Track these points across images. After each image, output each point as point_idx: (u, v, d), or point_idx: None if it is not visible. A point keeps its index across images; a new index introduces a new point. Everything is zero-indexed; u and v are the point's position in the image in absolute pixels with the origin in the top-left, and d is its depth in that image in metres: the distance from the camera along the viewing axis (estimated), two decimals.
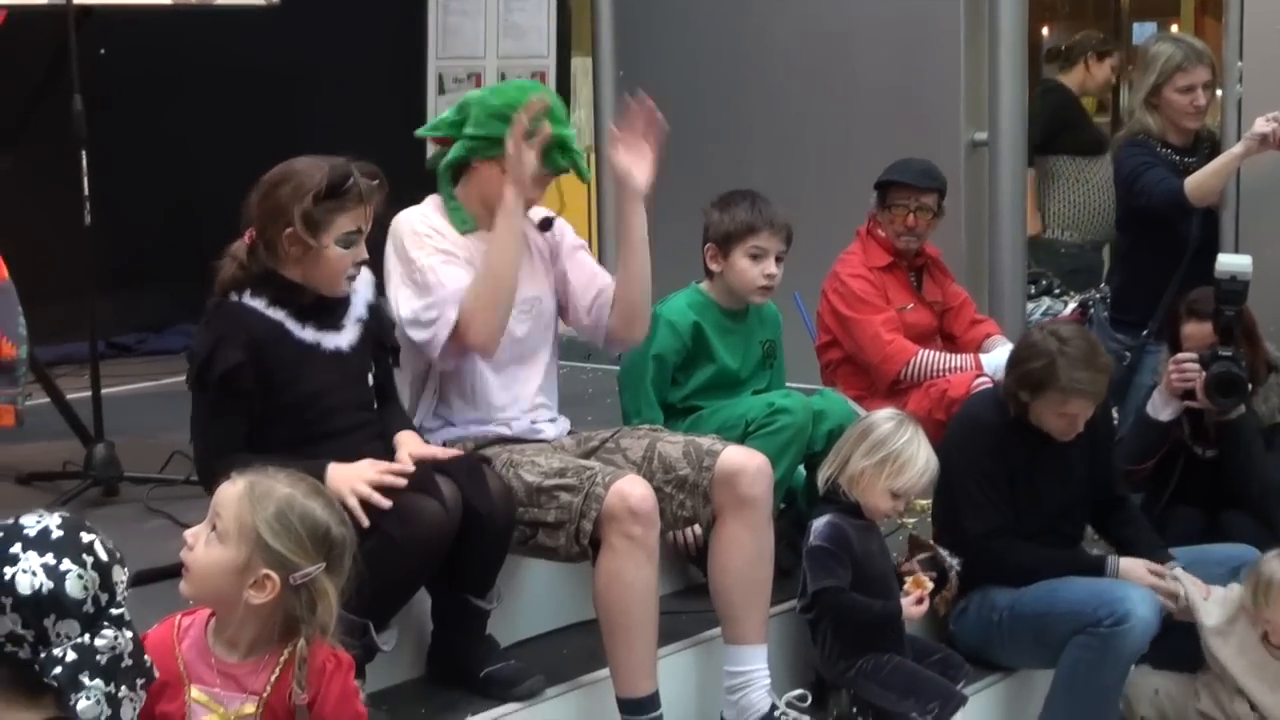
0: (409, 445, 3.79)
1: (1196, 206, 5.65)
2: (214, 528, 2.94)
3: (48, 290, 5.31)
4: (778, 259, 4.63)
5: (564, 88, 7.24)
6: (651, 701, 3.86)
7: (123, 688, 2.54)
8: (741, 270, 4.59)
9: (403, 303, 4.01)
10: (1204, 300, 5.07)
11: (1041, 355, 4.50)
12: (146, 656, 2.61)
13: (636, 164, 4.15)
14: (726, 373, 4.62)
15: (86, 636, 2.52)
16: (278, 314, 3.72)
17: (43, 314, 5.30)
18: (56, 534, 2.58)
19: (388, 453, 3.77)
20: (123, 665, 2.55)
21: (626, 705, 3.87)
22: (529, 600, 4.25)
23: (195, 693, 2.96)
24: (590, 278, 4.29)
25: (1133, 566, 4.54)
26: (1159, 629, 4.39)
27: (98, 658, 2.52)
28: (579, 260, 4.31)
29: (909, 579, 4.26)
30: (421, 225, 4.09)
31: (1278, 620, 4.42)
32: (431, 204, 4.17)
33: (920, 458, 4.26)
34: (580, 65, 7.90)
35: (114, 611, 2.57)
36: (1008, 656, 4.60)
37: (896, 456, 4.24)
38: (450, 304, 3.97)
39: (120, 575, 2.60)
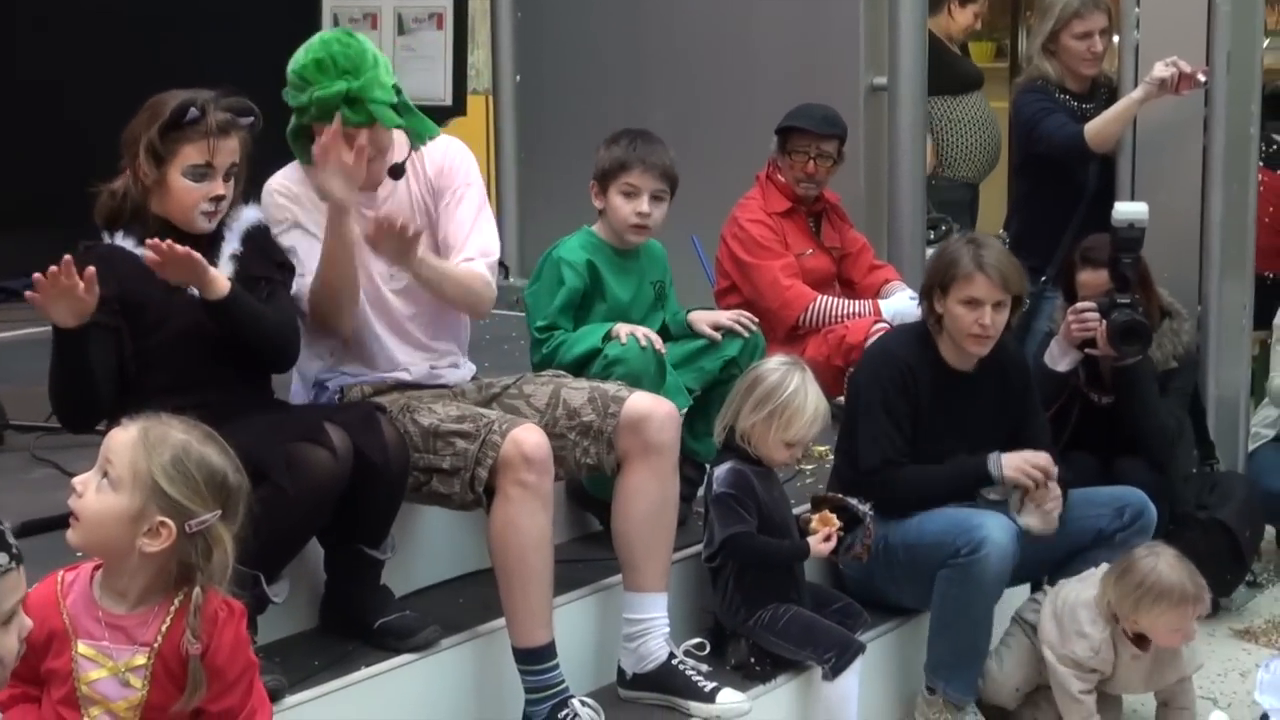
0: None
1: (1096, 152, 5.67)
2: (105, 475, 2.87)
3: None
4: (655, 198, 4.51)
5: (461, 29, 7.14)
6: (547, 651, 3.84)
7: None
8: (615, 208, 4.53)
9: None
10: (1098, 248, 5.09)
11: (951, 249, 4.58)
12: None
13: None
14: (620, 310, 4.55)
15: None
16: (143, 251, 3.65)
17: None
18: None
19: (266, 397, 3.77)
20: None
21: (522, 655, 3.85)
22: (424, 550, 4.21)
23: (82, 647, 2.90)
24: (444, 247, 4.10)
25: (1011, 458, 4.51)
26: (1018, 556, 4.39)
27: None
28: (446, 228, 4.11)
29: (815, 517, 4.24)
30: (281, 197, 3.99)
31: (1149, 625, 4.36)
32: (294, 166, 4.05)
33: (809, 406, 4.24)
34: (479, 6, 7.81)
35: None
36: (893, 593, 4.61)
37: (784, 409, 4.23)
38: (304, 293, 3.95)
39: None
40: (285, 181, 4.02)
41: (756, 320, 4.72)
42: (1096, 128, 5.64)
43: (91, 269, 3.44)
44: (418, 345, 4.13)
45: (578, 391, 4.05)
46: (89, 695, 2.91)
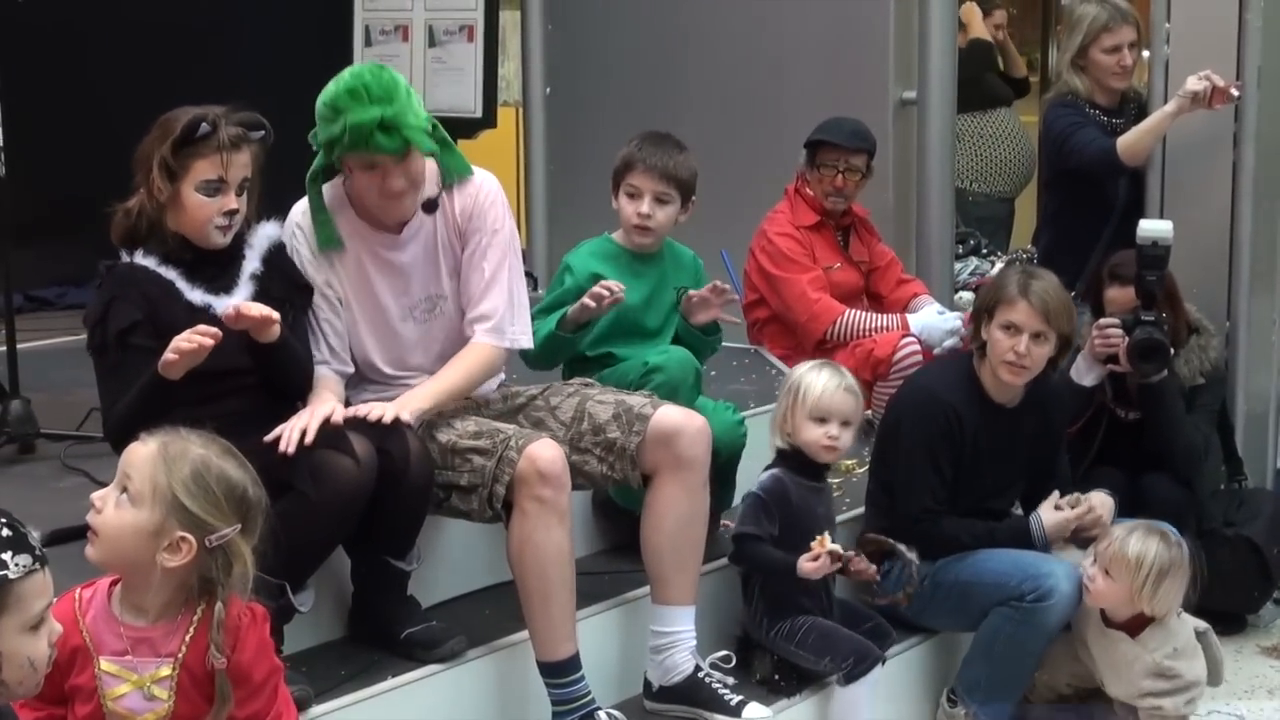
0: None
1: (1128, 166, 5.66)
2: (124, 490, 2.88)
3: None
4: (658, 200, 4.51)
5: (492, 41, 7.16)
6: (572, 663, 3.84)
7: None
8: (620, 208, 4.54)
9: None
10: (1126, 264, 5.08)
11: (1004, 274, 4.63)
12: None
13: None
14: (630, 314, 4.52)
15: None
16: (169, 273, 3.70)
17: None
18: None
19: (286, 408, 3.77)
20: None
21: (547, 669, 3.85)
22: (450, 561, 4.23)
23: (104, 664, 2.92)
24: (466, 299, 4.08)
25: (1048, 515, 4.55)
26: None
27: None
28: (470, 277, 4.07)
29: (818, 539, 4.23)
30: (296, 240, 3.98)
31: (1113, 594, 4.39)
32: (302, 208, 4.02)
33: (820, 380, 4.29)
34: (509, 19, 7.83)
35: None
36: (928, 620, 4.61)
37: (798, 385, 4.30)
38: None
39: None
40: (294, 224, 4.00)
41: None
42: (1129, 141, 5.62)
43: (218, 333, 3.51)
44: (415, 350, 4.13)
45: (603, 406, 4.05)
46: (115, 711, 2.92)
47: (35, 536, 2.58)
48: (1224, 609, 5.33)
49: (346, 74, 3.86)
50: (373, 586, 3.87)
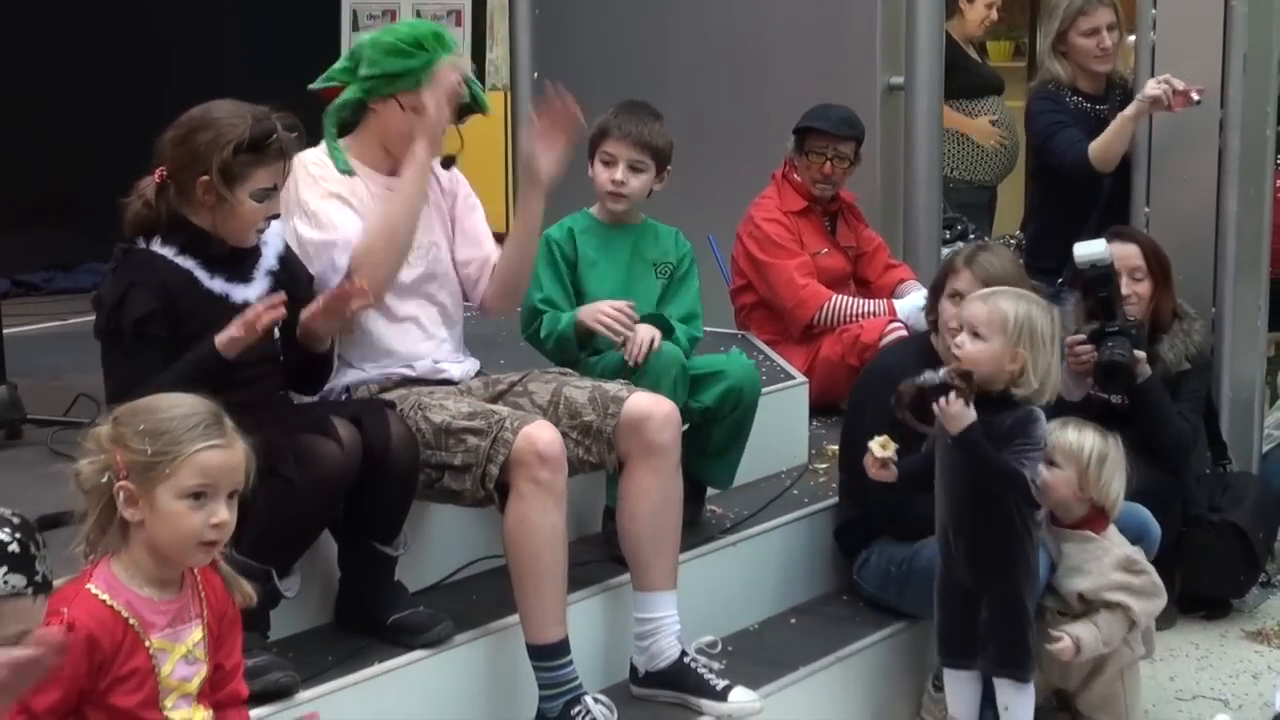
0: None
1: (1103, 171, 5.69)
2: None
3: None
4: (632, 168, 4.53)
5: (479, 25, 7.17)
6: (561, 647, 3.85)
7: None
8: (594, 174, 4.56)
9: (295, 238, 3.97)
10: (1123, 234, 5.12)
11: (958, 250, 4.62)
12: None
13: (546, 154, 4.15)
14: (610, 289, 4.56)
15: None
16: (187, 263, 3.68)
17: None
18: None
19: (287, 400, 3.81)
20: None
21: (536, 651, 3.86)
22: (437, 545, 4.23)
23: (155, 642, 2.95)
24: (475, 241, 4.29)
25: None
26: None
27: None
28: (472, 220, 4.30)
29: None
30: (315, 167, 4.04)
31: (1062, 482, 4.39)
32: (322, 149, 4.11)
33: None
34: (497, 3, 7.83)
35: None
36: (909, 605, 4.62)
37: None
38: (341, 249, 3.95)
39: None
40: (317, 155, 4.06)
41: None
42: (1099, 148, 5.66)
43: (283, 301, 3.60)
44: (423, 335, 4.16)
45: (580, 390, 4.08)
46: (169, 685, 2.96)
47: (41, 556, 2.60)
48: (1209, 594, 5.38)
49: (421, 21, 4.16)
50: (360, 572, 3.88)
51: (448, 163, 4.21)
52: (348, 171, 4.06)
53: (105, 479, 2.90)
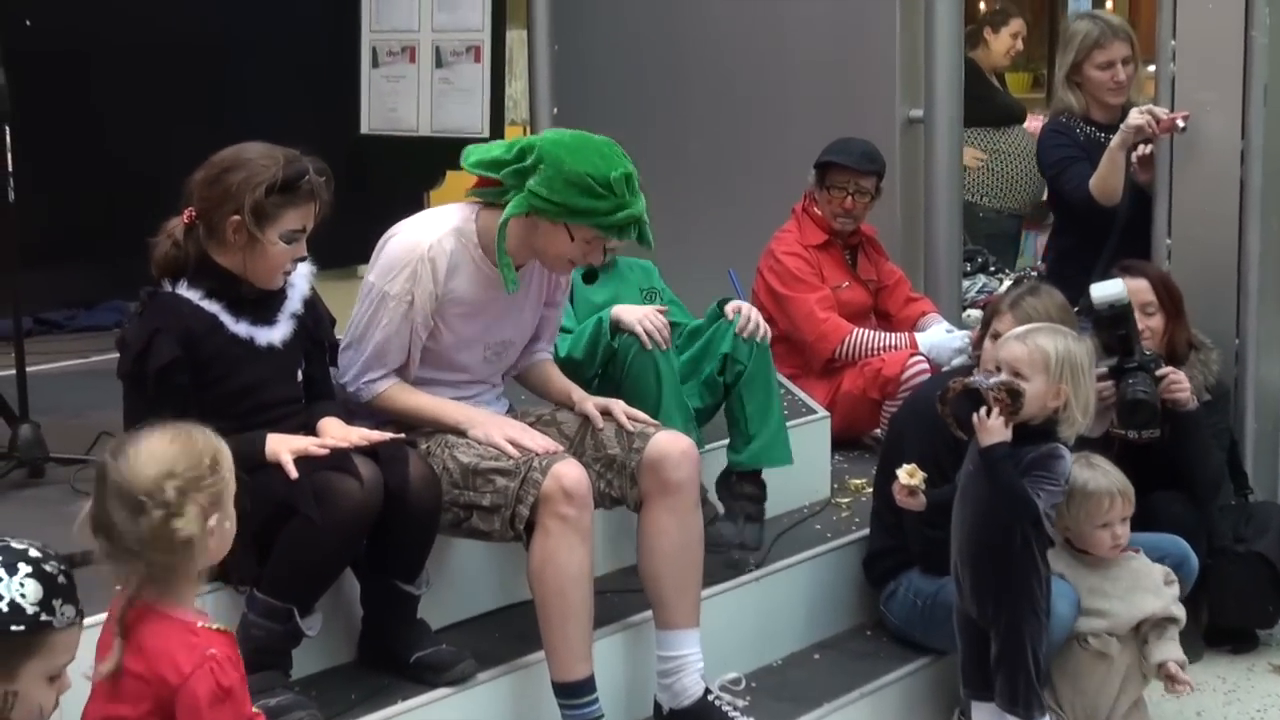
0: (331, 430, 3.77)
1: (1107, 204, 5.69)
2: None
3: None
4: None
5: (499, 60, 7.17)
6: (587, 685, 3.84)
7: None
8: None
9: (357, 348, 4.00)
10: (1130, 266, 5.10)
11: (1006, 291, 4.65)
12: None
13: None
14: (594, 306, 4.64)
15: None
16: (213, 306, 3.70)
17: None
18: None
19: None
20: None
21: (562, 689, 3.85)
22: (460, 583, 4.22)
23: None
24: (543, 334, 4.31)
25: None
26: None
27: None
28: (554, 314, 4.33)
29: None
30: (432, 265, 3.95)
31: (1077, 527, 4.41)
32: (463, 235, 4.00)
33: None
34: (516, 37, 7.84)
35: None
36: (931, 638, 4.60)
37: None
38: (388, 377, 4.00)
39: None
40: (451, 246, 3.97)
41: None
42: (1097, 182, 5.68)
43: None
44: (478, 380, 4.18)
45: (607, 423, 4.09)
46: None
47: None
48: (1236, 625, 5.33)
49: (613, 153, 3.91)
50: (382, 610, 3.87)
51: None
52: (515, 290, 3.98)
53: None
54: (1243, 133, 5.56)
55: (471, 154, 4.01)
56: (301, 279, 3.86)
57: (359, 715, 3.69)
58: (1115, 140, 5.59)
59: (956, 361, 5.42)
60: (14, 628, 2.52)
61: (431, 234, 3.97)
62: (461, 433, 3.95)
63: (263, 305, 3.76)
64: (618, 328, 4.41)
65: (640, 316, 4.40)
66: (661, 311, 4.45)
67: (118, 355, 3.72)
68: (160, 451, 2.85)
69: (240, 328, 3.72)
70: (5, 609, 2.51)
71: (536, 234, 3.96)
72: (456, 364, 4.10)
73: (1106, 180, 5.66)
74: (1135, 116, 5.50)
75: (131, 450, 2.85)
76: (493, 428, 3.93)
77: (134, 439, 2.87)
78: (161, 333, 3.61)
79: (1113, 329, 4.84)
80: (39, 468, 4.63)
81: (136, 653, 2.82)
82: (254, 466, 3.46)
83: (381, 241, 4.03)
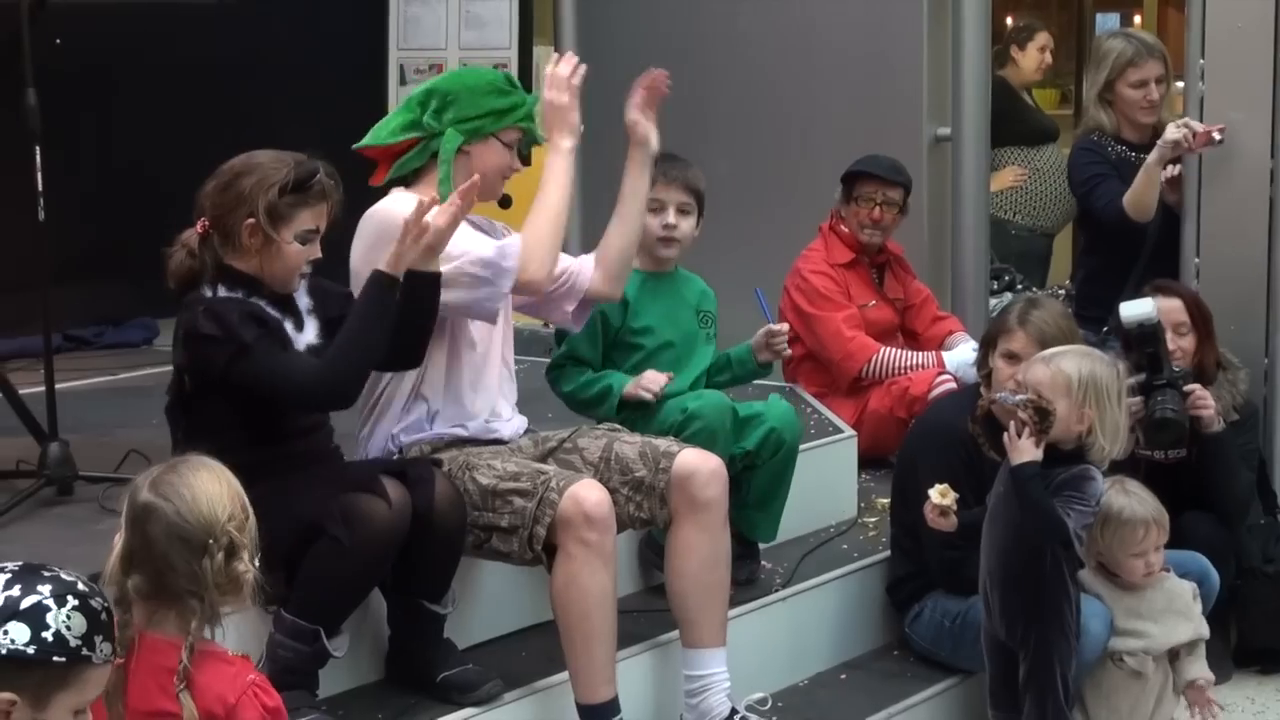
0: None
1: (1140, 220, 5.66)
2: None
3: (3, 282, 5.24)
4: (680, 210, 4.62)
5: (525, 76, 7.19)
6: (611, 706, 3.83)
7: None
8: (645, 225, 4.55)
9: (471, 259, 3.94)
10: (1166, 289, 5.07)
11: (1009, 305, 4.61)
12: None
13: (648, 122, 4.28)
14: (661, 340, 4.62)
15: None
16: (259, 301, 3.69)
17: None
18: None
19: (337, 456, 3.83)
20: None
21: (587, 711, 3.84)
22: (486, 602, 4.22)
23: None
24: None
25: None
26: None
27: None
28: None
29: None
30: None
31: (1110, 554, 4.38)
32: (394, 202, 4.03)
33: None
34: (543, 53, 7.85)
35: None
36: (959, 659, 4.59)
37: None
38: (509, 253, 3.99)
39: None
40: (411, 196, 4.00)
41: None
42: (1132, 198, 5.63)
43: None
44: (484, 393, 4.15)
45: (630, 446, 4.07)
46: None
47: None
48: (1267, 646, 5.30)
49: (486, 69, 4.34)
50: (409, 630, 3.87)
51: (505, 203, 4.24)
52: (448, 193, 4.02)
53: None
54: (1272, 151, 5.53)
55: (374, 134, 4.14)
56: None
57: None
58: (1152, 155, 5.55)
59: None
60: (56, 658, 2.52)
61: (387, 203, 4.03)
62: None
63: (291, 310, 3.76)
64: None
65: (641, 387, 4.44)
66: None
67: (192, 362, 3.65)
68: (216, 493, 2.87)
69: (286, 327, 3.73)
70: (50, 639, 2.52)
71: (472, 163, 4.05)
72: (469, 339, 4.09)
73: (1141, 197, 5.62)
74: (1173, 131, 5.45)
75: (185, 491, 2.86)
76: None
77: (178, 478, 2.88)
78: (242, 315, 3.60)
79: (1142, 347, 4.82)
80: (68, 485, 4.63)
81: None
82: (274, 423, 3.61)
83: (371, 224, 4.02)
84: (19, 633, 2.50)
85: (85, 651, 2.54)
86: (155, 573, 2.84)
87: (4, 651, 2.48)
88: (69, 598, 2.55)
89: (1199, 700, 4.40)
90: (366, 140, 4.14)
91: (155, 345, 7.00)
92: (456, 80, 4.16)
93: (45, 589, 2.53)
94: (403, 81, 7.21)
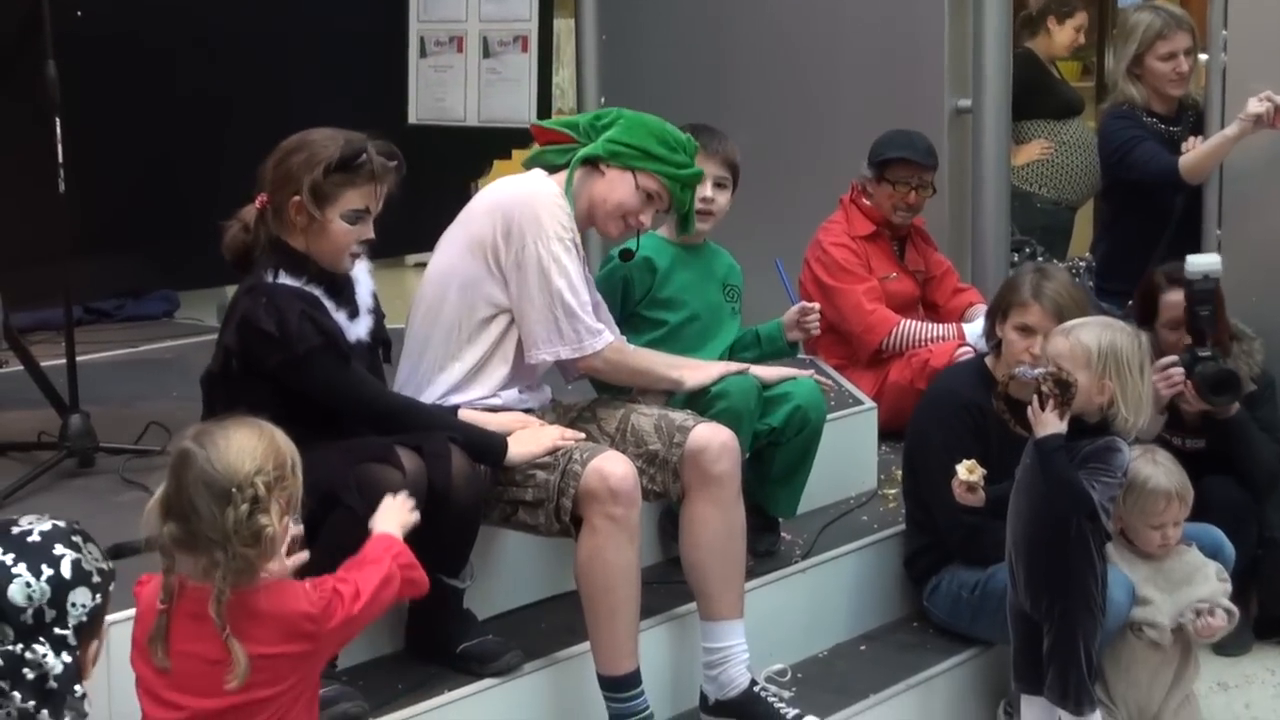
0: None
1: (1189, 184, 5.63)
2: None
3: (24, 255, 5.25)
4: (717, 185, 4.62)
5: (546, 49, 7.17)
6: (633, 678, 3.84)
7: (44, 711, 2.52)
8: None
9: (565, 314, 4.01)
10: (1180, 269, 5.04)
11: (1018, 275, 4.60)
12: (79, 688, 2.58)
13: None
14: (691, 314, 4.64)
15: (19, 646, 2.51)
16: (315, 291, 3.70)
17: (19, 279, 5.25)
18: (34, 538, 2.60)
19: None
20: (47, 687, 2.53)
21: (608, 683, 3.85)
22: (506, 573, 4.23)
23: None
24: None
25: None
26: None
27: (23, 670, 2.51)
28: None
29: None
30: (563, 213, 4.02)
31: (1129, 520, 4.36)
32: (552, 190, 4.07)
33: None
34: (564, 26, 7.84)
35: (57, 631, 2.56)
36: (979, 630, 4.59)
37: None
38: (605, 336, 4.06)
39: (81, 597, 2.59)
40: (557, 205, 4.03)
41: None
42: (1191, 162, 5.58)
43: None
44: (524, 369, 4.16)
45: (646, 418, 4.08)
46: None
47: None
48: None
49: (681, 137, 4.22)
50: (427, 602, 3.85)
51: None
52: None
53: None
54: None
55: (544, 121, 4.22)
56: (366, 275, 3.88)
57: (405, 705, 3.70)
58: (1232, 128, 5.43)
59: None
60: (111, 588, 2.63)
61: (536, 179, 4.10)
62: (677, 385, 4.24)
63: (346, 298, 3.77)
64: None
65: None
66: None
67: (245, 348, 3.65)
68: (250, 446, 2.88)
69: (340, 317, 3.74)
70: (108, 569, 2.65)
71: (599, 184, 4.08)
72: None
73: (1203, 161, 5.52)
74: (1254, 105, 5.37)
75: (221, 441, 2.87)
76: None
77: (220, 429, 2.90)
78: (306, 314, 3.62)
79: (1199, 304, 4.81)
80: (89, 457, 4.65)
81: (256, 630, 2.87)
82: (296, 398, 3.59)
83: (484, 207, 4.05)
84: (81, 596, 2.58)
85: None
86: (184, 519, 2.86)
87: (85, 617, 2.59)
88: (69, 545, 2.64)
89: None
90: (537, 119, 4.20)
91: (176, 318, 7.03)
92: (636, 114, 4.20)
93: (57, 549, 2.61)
94: (423, 54, 7.20)
